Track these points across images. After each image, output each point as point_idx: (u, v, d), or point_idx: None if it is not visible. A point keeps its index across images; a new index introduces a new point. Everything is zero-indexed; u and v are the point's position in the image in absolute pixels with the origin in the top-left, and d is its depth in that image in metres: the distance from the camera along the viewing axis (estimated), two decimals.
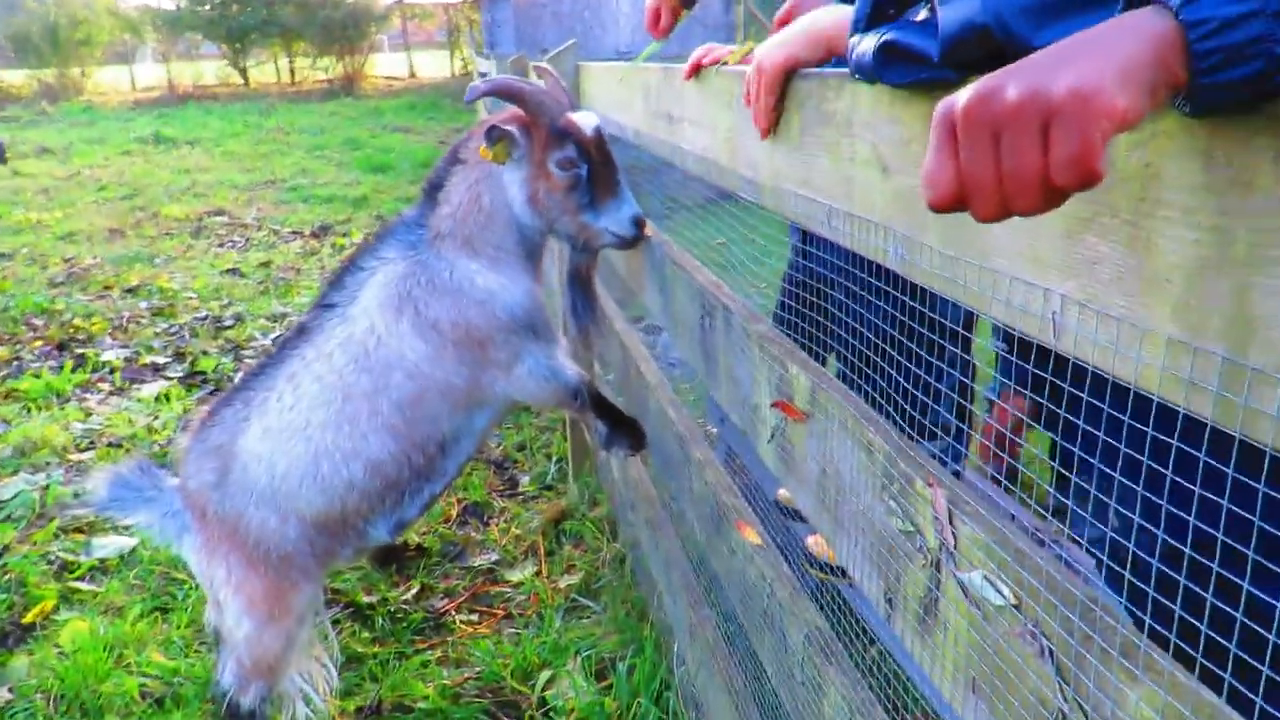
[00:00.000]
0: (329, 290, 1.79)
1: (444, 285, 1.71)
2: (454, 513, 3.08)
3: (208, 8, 21.91)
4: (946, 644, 0.80)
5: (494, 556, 2.83)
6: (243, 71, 22.76)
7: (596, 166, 1.68)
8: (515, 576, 2.72)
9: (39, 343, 4.62)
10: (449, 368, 1.73)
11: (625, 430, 2.01)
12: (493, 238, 1.75)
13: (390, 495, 1.79)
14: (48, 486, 3.11)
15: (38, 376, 4.07)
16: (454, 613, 2.56)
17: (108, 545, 2.77)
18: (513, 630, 2.46)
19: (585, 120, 1.68)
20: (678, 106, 1.57)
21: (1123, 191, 0.54)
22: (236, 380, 1.84)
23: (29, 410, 3.78)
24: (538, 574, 2.72)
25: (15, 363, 4.36)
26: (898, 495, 0.87)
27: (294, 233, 7.24)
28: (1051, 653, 0.65)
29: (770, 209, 1.18)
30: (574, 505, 3.03)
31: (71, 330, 4.81)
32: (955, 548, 0.78)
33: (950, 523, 0.78)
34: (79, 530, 2.89)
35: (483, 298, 1.72)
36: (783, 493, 2.26)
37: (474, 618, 2.55)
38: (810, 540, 2.11)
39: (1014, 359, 1.02)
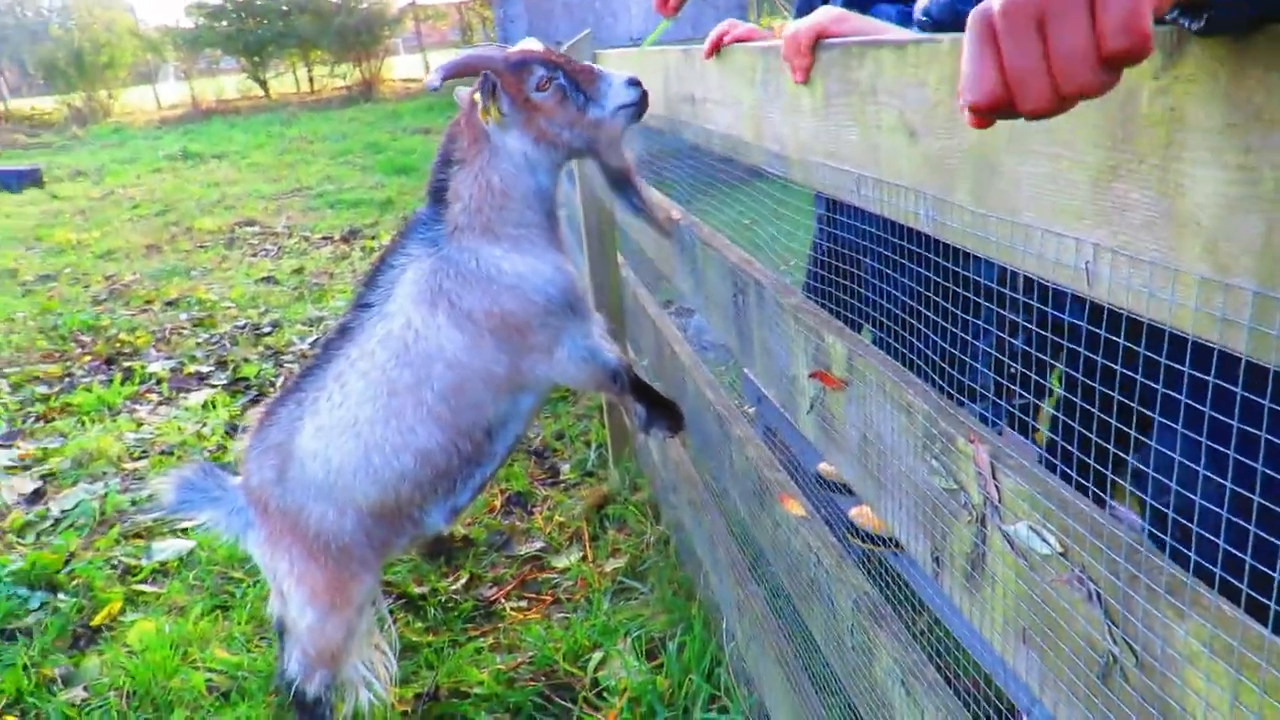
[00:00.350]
0: (364, 290, 1.83)
1: (473, 275, 1.73)
2: (498, 503, 3.13)
3: (225, 23, 22.19)
4: (995, 598, 0.82)
5: (539, 544, 2.88)
6: (263, 83, 23.04)
7: (566, 68, 1.70)
8: (561, 563, 2.76)
9: (88, 358, 4.75)
10: (488, 356, 1.75)
11: (663, 411, 2.04)
12: (512, 216, 1.75)
13: (442, 483, 1.83)
14: (106, 495, 3.21)
15: (89, 390, 4.19)
16: (503, 600, 2.61)
17: (167, 548, 2.85)
18: (562, 615, 2.51)
19: (526, 44, 1.72)
20: (700, 87, 1.58)
21: (1148, 137, 0.56)
22: (289, 382, 1.90)
23: (83, 423, 3.90)
24: (583, 559, 2.76)
25: (67, 378, 4.49)
26: (939, 454, 0.89)
27: (324, 238, 7.35)
28: (1099, 596, 0.67)
29: (798, 182, 1.19)
30: (615, 490, 3.07)
31: (118, 345, 4.93)
32: (999, 501, 0.79)
33: (993, 477, 0.80)
34: (138, 535, 2.99)
35: (513, 283, 1.73)
36: (824, 466, 2.27)
37: (523, 604, 2.59)
38: (854, 512, 2.12)
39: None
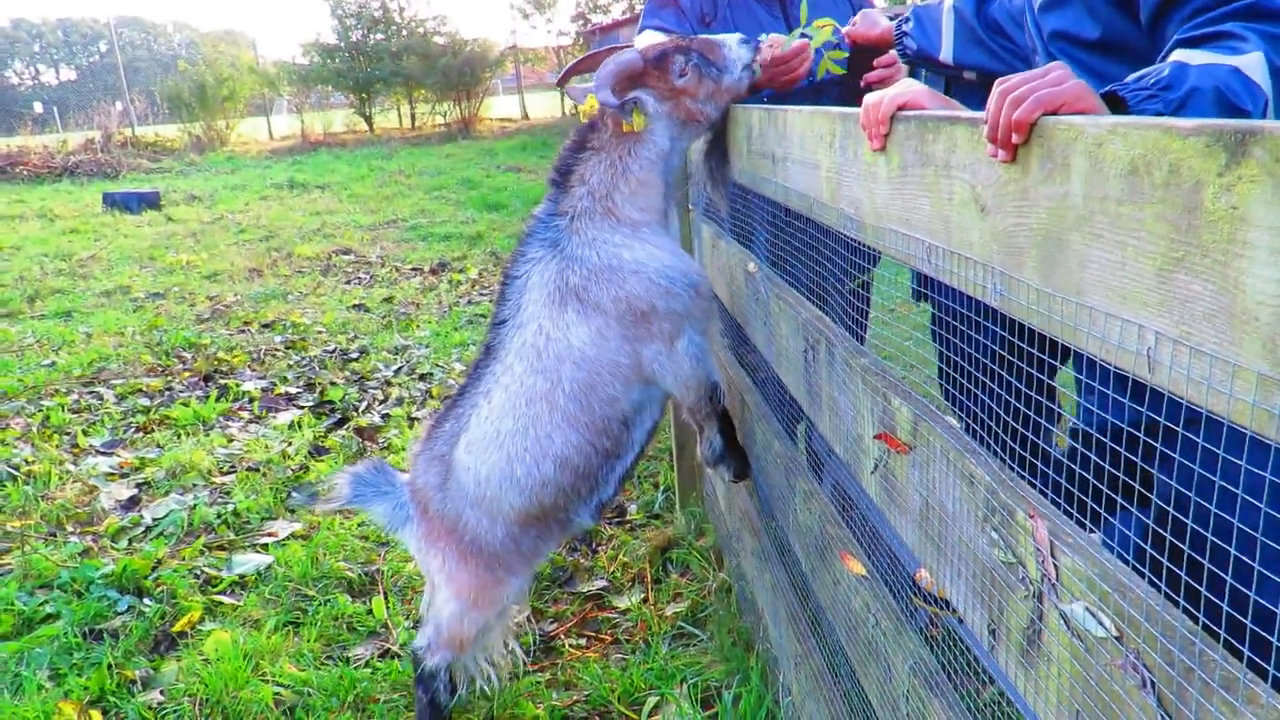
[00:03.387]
0: (497, 307, 1.92)
1: (596, 267, 1.79)
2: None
3: (337, 62, 23.37)
4: (1050, 676, 0.81)
5: (602, 583, 2.89)
6: (368, 119, 24.14)
7: (696, 48, 1.81)
8: (623, 603, 2.77)
9: (188, 374, 5.02)
10: (614, 346, 1.80)
11: (736, 454, 2.06)
12: (641, 201, 1.82)
13: (584, 484, 1.90)
14: (195, 506, 3.37)
15: (187, 405, 4.41)
16: (563, 636, 2.63)
17: (247, 562, 2.98)
18: (620, 656, 2.51)
19: (650, 36, 1.82)
20: (780, 146, 1.62)
21: (1212, 232, 0.56)
22: (452, 396, 2.06)
23: (179, 436, 4.11)
24: (645, 601, 2.76)
25: (167, 392, 4.74)
26: (999, 526, 0.89)
27: (414, 269, 7.61)
28: (1153, 684, 0.66)
29: (871, 245, 1.21)
30: (681, 534, 3.07)
31: (216, 362, 5.19)
32: (1057, 579, 0.79)
33: (1052, 554, 0.79)
34: (221, 548, 3.12)
35: (635, 268, 1.79)
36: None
37: (582, 642, 2.61)
38: (921, 573, 2.08)
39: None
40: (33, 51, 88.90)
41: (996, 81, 0.85)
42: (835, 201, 1.33)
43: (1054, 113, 0.77)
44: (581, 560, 3.05)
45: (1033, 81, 0.82)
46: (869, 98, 1.13)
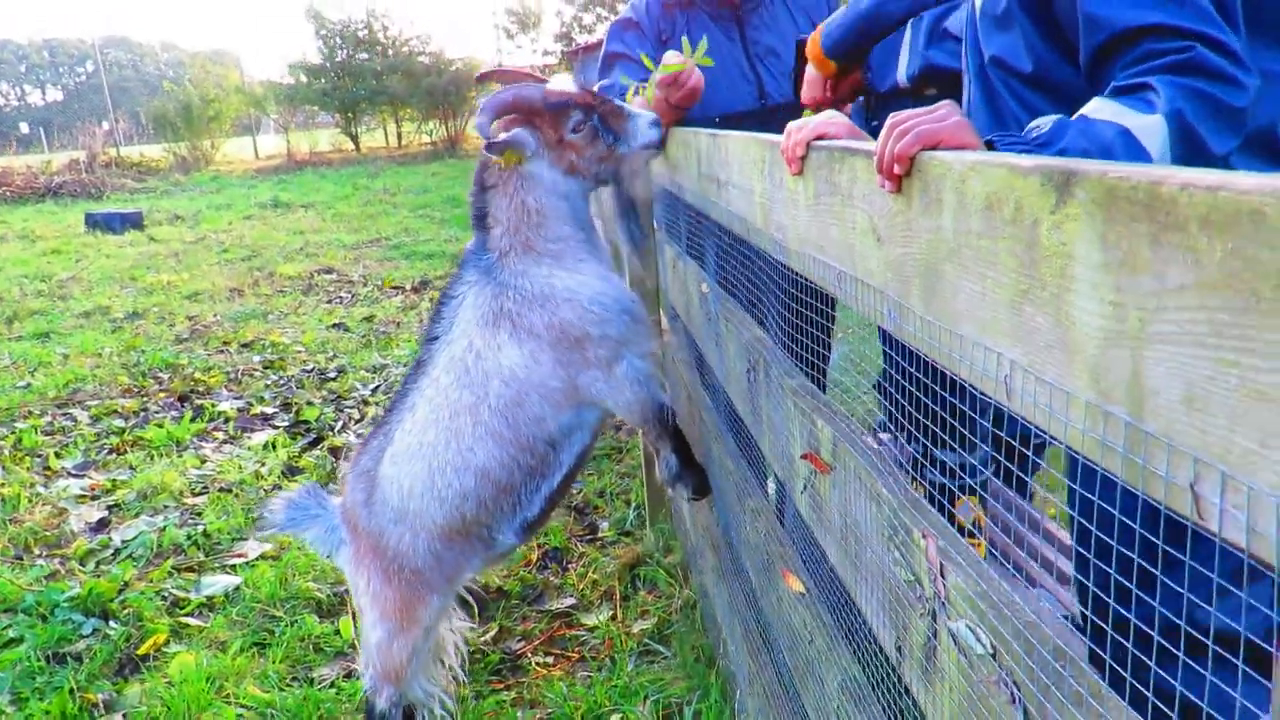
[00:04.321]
0: (430, 324, 1.96)
1: (529, 294, 1.82)
2: (534, 557, 3.18)
3: (323, 81, 23.43)
4: (944, 692, 0.83)
5: (571, 600, 2.91)
6: (354, 138, 24.19)
7: (599, 110, 1.85)
8: (591, 620, 2.78)
9: (163, 394, 5.01)
10: (545, 371, 1.83)
11: (693, 472, 2.08)
12: (549, 232, 1.86)
13: (506, 500, 1.91)
14: (165, 528, 3.36)
15: (161, 426, 4.41)
16: (530, 655, 2.64)
17: (215, 584, 2.98)
18: (585, 673, 2.53)
19: (563, 83, 1.85)
20: (723, 171, 1.65)
21: (1048, 267, 0.59)
22: (381, 413, 2.07)
23: (152, 457, 4.11)
24: (612, 618, 2.78)
25: (142, 413, 4.74)
26: (900, 545, 0.91)
27: (396, 288, 7.62)
28: (1020, 699, 0.68)
29: (796, 270, 1.24)
30: (650, 551, 3.09)
31: (193, 383, 5.19)
32: (946, 598, 0.81)
33: (941, 573, 0.82)
34: (190, 569, 3.12)
35: (568, 296, 1.83)
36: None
37: (549, 660, 2.62)
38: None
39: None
40: (19, 72, 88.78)
41: (890, 115, 0.88)
42: (767, 226, 1.36)
43: (934, 148, 0.80)
44: (551, 578, 3.06)
45: (920, 117, 0.85)
46: (790, 125, 1.16)
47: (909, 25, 1.99)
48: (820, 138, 1.11)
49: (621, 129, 1.89)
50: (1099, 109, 1.03)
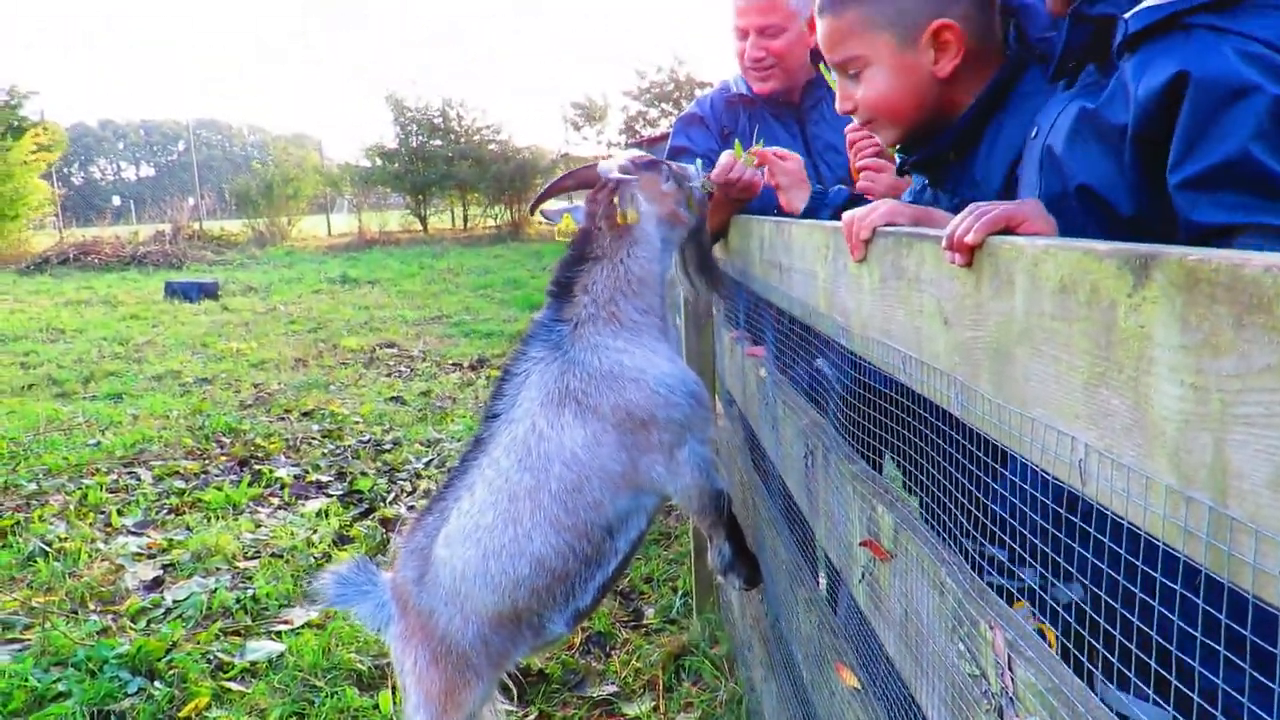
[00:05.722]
0: (492, 401, 1.95)
1: (598, 372, 1.82)
2: (577, 640, 3.12)
3: (396, 165, 24.49)
4: None
5: (613, 688, 2.84)
6: (423, 219, 25.08)
7: (669, 165, 2.08)
8: (632, 710, 2.70)
9: (224, 458, 5.13)
10: (607, 453, 1.80)
11: (746, 562, 2.04)
12: (641, 303, 1.91)
13: (559, 588, 1.86)
14: (215, 590, 3.40)
15: (220, 489, 4.50)
16: None
17: (260, 649, 2.98)
18: None
19: (629, 154, 2.07)
20: (786, 257, 1.68)
21: (1125, 349, 0.59)
22: (437, 490, 2.07)
23: (209, 519, 4.18)
24: (655, 709, 2.70)
25: (203, 475, 4.85)
26: (966, 638, 0.88)
27: (454, 364, 7.77)
28: None
29: (859, 354, 1.24)
30: (695, 641, 3.01)
31: (253, 448, 5.31)
32: (1014, 693, 0.78)
33: (1009, 666, 0.79)
34: (237, 633, 3.13)
35: (635, 376, 1.82)
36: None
37: None
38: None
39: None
40: (117, 150, 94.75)
41: (973, 204, 0.89)
42: (829, 310, 1.37)
43: (1011, 231, 0.81)
44: (594, 663, 3.00)
45: (1003, 205, 0.87)
46: (846, 215, 1.18)
47: None
48: (888, 224, 1.13)
49: (685, 176, 2.08)
50: None
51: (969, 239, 0.81)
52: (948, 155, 1.59)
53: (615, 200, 1.87)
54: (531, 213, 2.01)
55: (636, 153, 2.06)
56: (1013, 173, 1.46)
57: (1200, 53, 1.00)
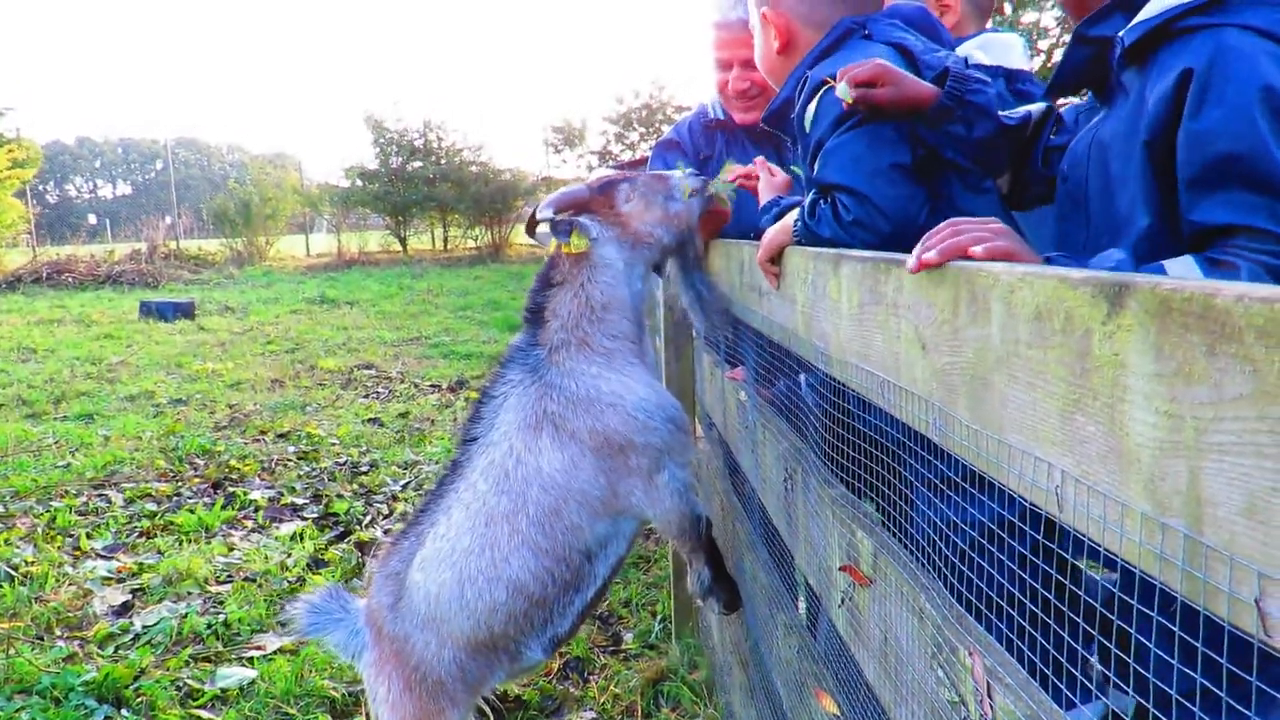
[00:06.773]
0: (469, 425, 1.94)
1: (575, 396, 1.82)
2: (555, 666, 3.08)
3: (376, 185, 24.43)
4: None
5: (592, 714, 2.80)
6: (402, 240, 24.99)
7: (638, 177, 1.95)
8: None
9: (197, 480, 5.05)
10: (586, 477, 1.80)
11: (725, 586, 2.03)
12: (609, 328, 1.88)
13: (537, 613, 1.84)
14: (186, 615, 3.33)
15: (192, 511, 4.43)
16: None
17: (231, 676, 2.92)
18: None
19: (600, 174, 1.95)
20: (765, 281, 1.68)
21: (1100, 377, 0.60)
22: (412, 514, 2.03)
23: (180, 542, 4.11)
24: None
25: (176, 498, 4.77)
26: (944, 664, 0.88)
27: (433, 386, 7.72)
28: None
29: (838, 378, 1.24)
30: (674, 666, 2.99)
31: (227, 470, 5.24)
32: None
33: (988, 694, 0.79)
34: (208, 659, 3.07)
35: (613, 400, 1.81)
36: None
37: None
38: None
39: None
40: (94, 168, 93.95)
41: (951, 219, 0.91)
42: (809, 335, 1.38)
43: (991, 257, 0.81)
44: (572, 689, 2.97)
45: (976, 224, 0.88)
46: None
47: None
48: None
49: (666, 187, 1.96)
50: (1181, 269, 1.03)
51: (928, 257, 0.83)
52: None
53: (558, 233, 1.87)
54: (528, 232, 1.99)
55: (607, 172, 2.04)
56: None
57: (1200, 48, 1.06)
